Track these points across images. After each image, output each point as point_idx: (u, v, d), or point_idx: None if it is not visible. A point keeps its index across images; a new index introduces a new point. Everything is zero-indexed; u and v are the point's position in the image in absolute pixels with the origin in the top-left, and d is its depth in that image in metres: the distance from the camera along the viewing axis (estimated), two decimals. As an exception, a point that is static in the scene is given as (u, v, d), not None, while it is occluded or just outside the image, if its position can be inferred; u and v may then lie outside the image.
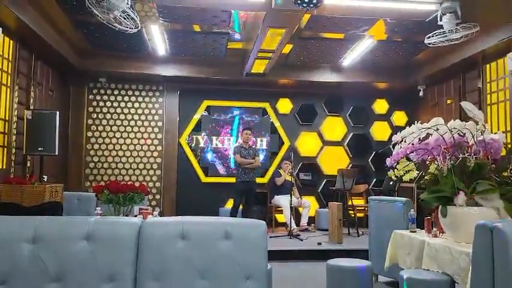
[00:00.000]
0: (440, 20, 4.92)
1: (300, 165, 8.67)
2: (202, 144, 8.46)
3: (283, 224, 7.82)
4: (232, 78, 7.94)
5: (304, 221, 7.77)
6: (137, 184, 4.08)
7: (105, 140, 8.04)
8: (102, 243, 1.94)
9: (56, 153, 5.72)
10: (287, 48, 6.88)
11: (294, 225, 7.13)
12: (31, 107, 5.98)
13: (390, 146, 3.39)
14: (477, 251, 2.23)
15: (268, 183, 8.29)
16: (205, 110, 8.53)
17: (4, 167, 5.39)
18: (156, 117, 8.23)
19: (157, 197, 8.16)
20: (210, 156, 8.48)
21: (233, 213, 6.95)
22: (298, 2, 4.06)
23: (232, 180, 7.26)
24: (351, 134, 8.91)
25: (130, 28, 4.47)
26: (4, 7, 4.62)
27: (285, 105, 8.81)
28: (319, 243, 6.38)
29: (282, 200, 7.55)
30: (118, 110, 8.13)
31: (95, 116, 8.05)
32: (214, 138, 8.51)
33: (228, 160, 8.47)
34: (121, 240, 1.97)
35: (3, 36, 4.94)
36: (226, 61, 7.62)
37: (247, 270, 1.97)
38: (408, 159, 3.31)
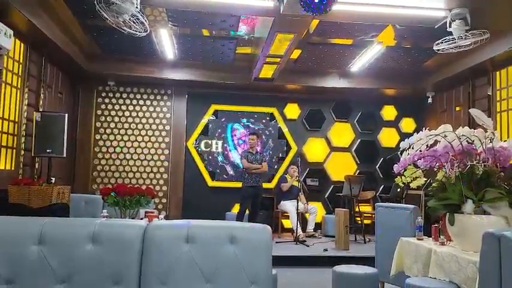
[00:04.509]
0: (450, 26, 4.90)
1: (307, 170, 8.65)
2: (209, 148, 8.47)
3: (290, 230, 7.79)
4: (240, 83, 7.96)
5: (310, 227, 7.74)
6: (144, 187, 4.09)
7: (113, 142, 8.09)
8: (107, 245, 1.94)
9: (64, 155, 5.75)
10: (295, 54, 6.88)
11: (300, 231, 7.10)
12: (40, 109, 6.04)
13: (398, 153, 3.35)
14: (484, 260, 2.20)
15: (274, 189, 8.28)
16: (212, 114, 8.55)
17: (13, 169, 5.43)
18: (164, 121, 8.26)
19: (164, 200, 8.17)
20: (217, 160, 8.48)
21: (239, 217, 6.94)
22: (307, 7, 4.06)
23: (239, 185, 7.25)
24: (359, 140, 8.88)
25: (139, 32, 4.50)
26: (15, 10, 4.68)
27: (293, 111, 8.81)
28: (325, 250, 6.35)
29: (288, 206, 7.52)
30: (126, 113, 8.17)
31: (103, 119, 8.10)
32: (220, 142, 8.51)
33: (234, 165, 8.47)
34: (125, 242, 1.96)
35: (14, 39, 4.99)
36: (234, 66, 7.65)
37: (252, 275, 1.96)
38: (416, 166, 3.28)
